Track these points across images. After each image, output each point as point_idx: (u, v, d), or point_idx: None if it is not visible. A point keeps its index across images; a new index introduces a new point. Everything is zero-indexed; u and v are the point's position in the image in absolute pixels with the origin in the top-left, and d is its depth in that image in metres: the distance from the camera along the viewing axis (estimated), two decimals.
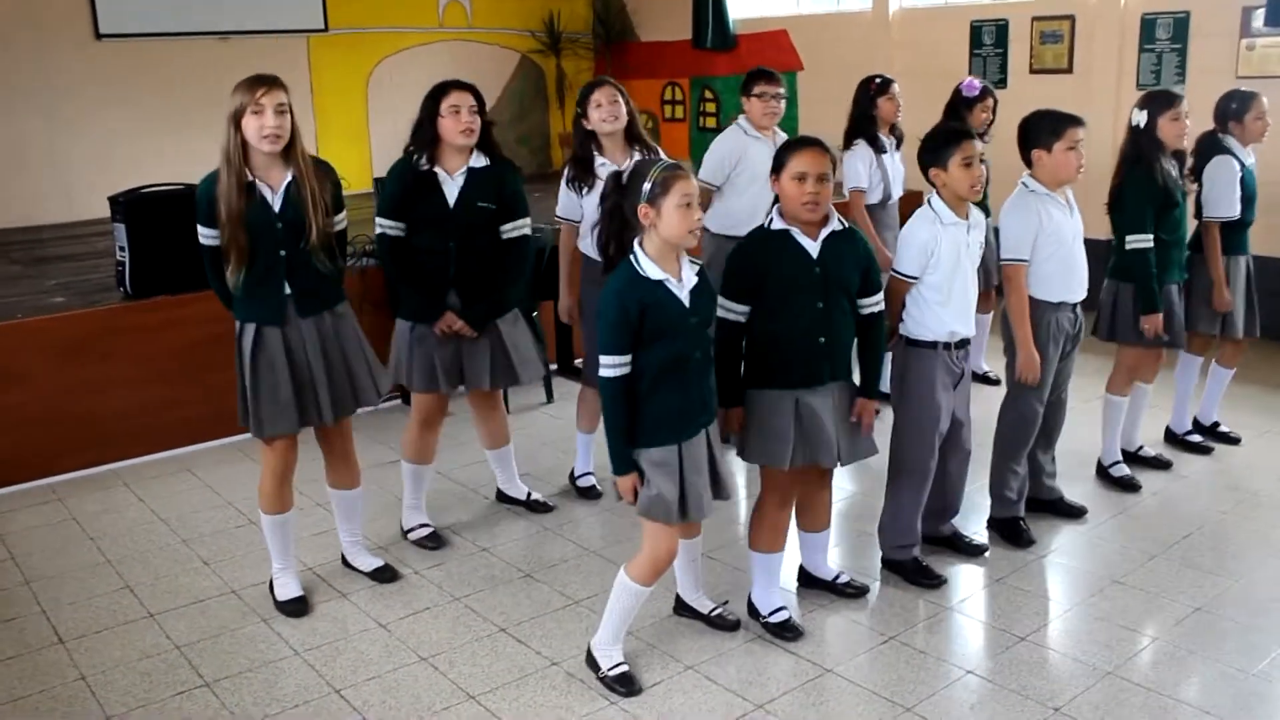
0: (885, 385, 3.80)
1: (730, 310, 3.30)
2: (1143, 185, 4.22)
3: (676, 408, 3.07)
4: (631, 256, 3.03)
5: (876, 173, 5.19)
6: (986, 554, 3.98)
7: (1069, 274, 3.88)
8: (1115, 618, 3.53)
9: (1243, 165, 4.59)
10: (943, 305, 3.62)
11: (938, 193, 3.63)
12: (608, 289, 3.02)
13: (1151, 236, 4.21)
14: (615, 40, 10.06)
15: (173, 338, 5.16)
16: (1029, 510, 4.23)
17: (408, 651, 3.49)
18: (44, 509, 4.69)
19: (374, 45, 9.18)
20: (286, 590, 3.77)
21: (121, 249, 5.26)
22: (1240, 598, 3.64)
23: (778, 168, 3.29)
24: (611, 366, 2.99)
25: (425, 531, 4.22)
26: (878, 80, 5.26)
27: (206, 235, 3.48)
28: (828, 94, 5.63)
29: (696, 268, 3.12)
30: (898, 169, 5.33)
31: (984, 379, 5.84)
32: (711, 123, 9.22)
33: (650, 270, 3.00)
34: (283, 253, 3.49)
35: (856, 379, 3.49)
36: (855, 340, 3.47)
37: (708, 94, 9.34)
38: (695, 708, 3.14)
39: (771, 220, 3.33)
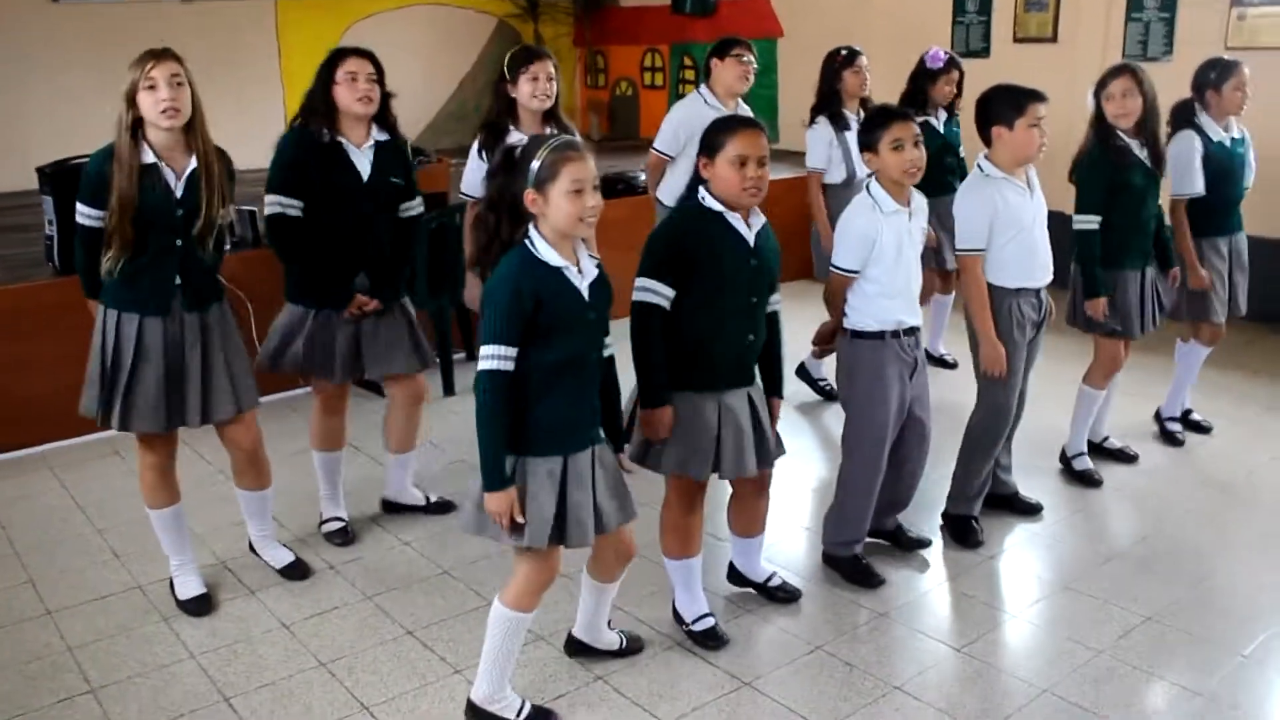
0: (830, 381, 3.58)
1: (654, 292, 2.98)
2: (1090, 165, 4.01)
3: (567, 415, 2.70)
4: (528, 240, 2.68)
5: (837, 150, 4.93)
6: (928, 549, 3.78)
7: (1029, 258, 3.65)
8: (1060, 628, 3.32)
9: (1210, 140, 4.33)
10: (886, 296, 3.39)
11: (875, 178, 3.40)
12: (499, 271, 2.66)
13: (1097, 218, 3.99)
14: (595, 5, 9.76)
15: None
16: (984, 506, 4.02)
17: (308, 656, 3.30)
18: None
19: (345, 8, 8.91)
20: (187, 588, 3.58)
21: (50, 222, 5.06)
22: (1194, 607, 3.43)
23: (711, 149, 3.00)
24: (495, 358, 2.59)
25: (336, 526, 4.01)
26: (843, 52, 4.99)
27: (87, 215, 3.24)
28: (808, 61, 5.37)
29: (598, 259, 2.81)
30: None
31: (940, 362, 5.62)
32: (690, 90, 8.93)
33: (548, 255, 2.66)
34: (179, 242, 3.27)
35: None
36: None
37: (687, 61, 9.05)
38: None
39: (704, 198, 3.05)
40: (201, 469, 4.54)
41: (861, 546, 3.65)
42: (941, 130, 5.17)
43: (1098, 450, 4.48)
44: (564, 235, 2.68)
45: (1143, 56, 6.26)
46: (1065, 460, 4.36)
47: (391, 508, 4.23)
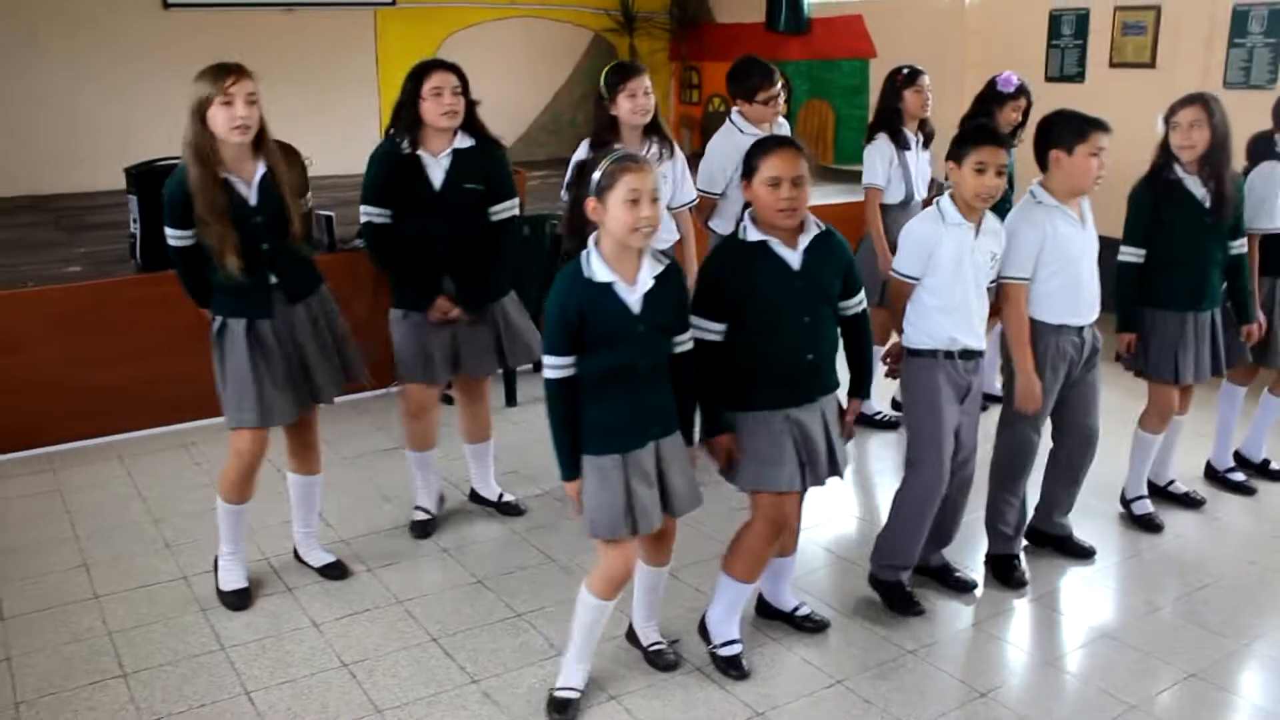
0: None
1: (706, 330, 3.02)
2: (1137, 194, 3.88)
3: (620, 417, 2.85)
4: (583, 254, 2.82)
5: (897, 170, 4.83)
6: (976, 591, 3.66)
7: (1074, 294, 3.52)
8: (1094, 678, 3.18)
9: None
10: (942, 311, 3.33)
11: (950, 192, 3.34)
12: (554, 287, 2.83)
13: (1140, 251, 3.85)
14: (691, 21, 9.76)
15: (179, 312, 5.08)
16: (1035, 545, 3.90)
17: (332, 656, 3.36)
18: (34, 479, 4.70)
19: (443, 19, 9.05)
20: (231, 580, 3.68)
21: (134, 220, 5.26)
22: (1243, 664, 3.26)
23: (749, 172, 3.01)
24: (553, 368, 2.82)
25: (421, 517, 4.17)
26: (904, 71, 4.89)
27: (177, 237, 3.35)
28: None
29: (661, 268, 2.86)
30: (923, 168, 4.95)
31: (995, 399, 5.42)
32: (783, 109, 8.86)
33: (598, 271, 2.78)
34: (265, 245, 3.39)
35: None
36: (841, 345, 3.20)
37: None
38: None
39: (745, 229, 3.05)
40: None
41: (909, 575, 3.57)
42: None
43: (1162, 494, 4.28)
44: (622, 246, 2.78)
45: (1245, 84, 5.99)
46: (1125, 504, 4.19)
47: (475, 498, 4.40)
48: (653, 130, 4.24)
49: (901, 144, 4.84)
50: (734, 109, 4.76)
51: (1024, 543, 3.82)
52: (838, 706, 3.07)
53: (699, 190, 4.78)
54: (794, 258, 3.02)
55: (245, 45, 8.20)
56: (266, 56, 7.98)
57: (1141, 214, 3.88)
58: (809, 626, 3.44)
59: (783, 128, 4.82)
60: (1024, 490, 3.73)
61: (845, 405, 3.25)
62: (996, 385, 5.39)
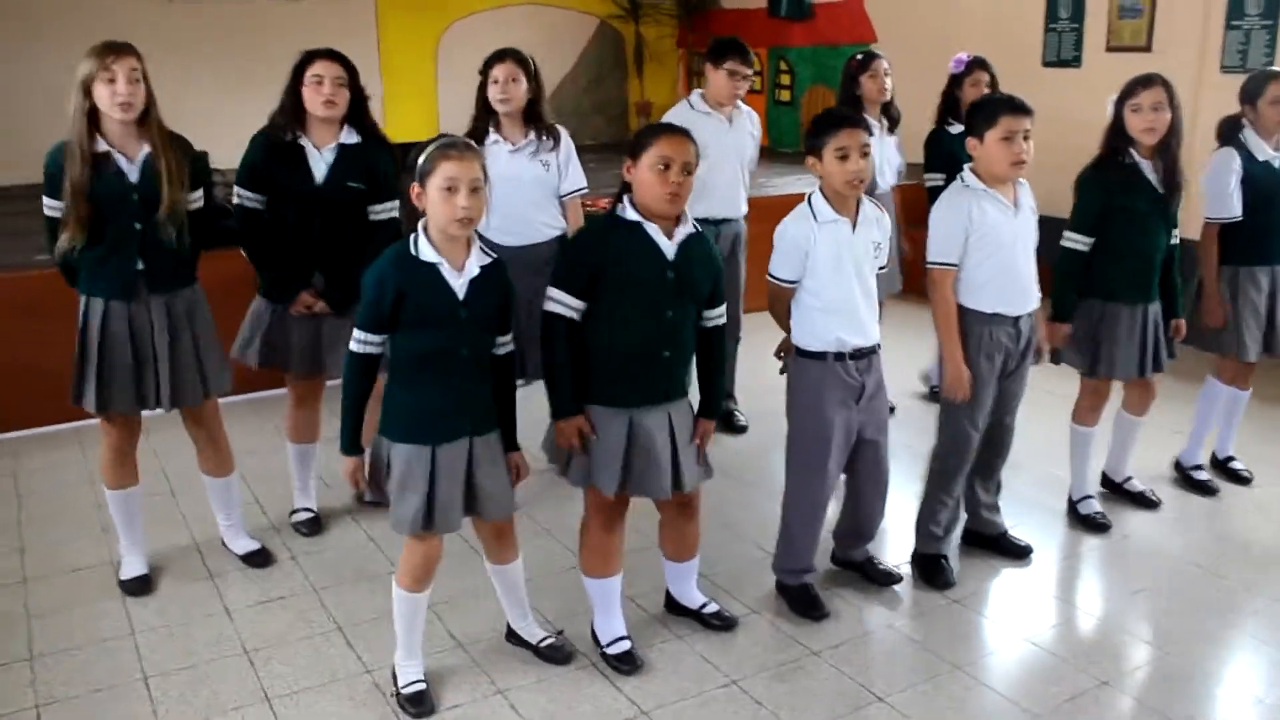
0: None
1: (562, 304, 2.92)
2: (1090, 180, 3.72)
3: (432, 405, 2.79)
4: (412, 236, 2.77)
5: None
6: (898, 585, 3.57)
7: (1007, 282, 3.39)
8: (1003, 686, 3.07)
9: (1254, 159, 3.94)
10: (826, 312, 3.23)
11: (819, 187, 3.23)
12: (375, 264, 2.78)
13: (1086, 240, 3.70)
14: (697, 7, 9.65)
15: None
16: (970, 544, 3.79)
17: (236, 643, 3.35)
18: None
19: (444, 7, 9.07)
20: (129, 568, 3.69)
21: None
22: (1164, 674, 3.12)
23: (637, 151, 2.92)
24: (358, 341, 2.78)
25: (304, 516, 4.09)
26: (859, 57, 4.78)
27: (51, 207, 3.35)
28: (902, 67, 5.14)
29: (489, 260, 2.82)
30: (889, 155, 4.82)
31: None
32: (786, 95, 8.77)
33: (425, 252, 2.74)
34: (137, 225, 3.35)
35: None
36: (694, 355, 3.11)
37: (783, 65, 8.86)
38: None
39: (624, 209, 2.97)
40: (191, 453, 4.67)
41: (813, 576, 3.49)
42: None
43: (1118, 491, 4.15)
44: (442, 232, 2.73)
45: (1242, 67, 5.76)
46: (1071, 504, 4.05)
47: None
48: (531, 118, 4.14)
49: None
50: (695, 91, 4.68)
51: (954, 542, 3.72)
52: (725, 708, 3.00)
53: None
54: (669, 247, 2.93)
55: (248, 35, 8.35)
56: (270, 46, 8.04)
57: (1092, 201, 3.73)
58: (716, 624, 3.37)
59: (746, 115, 4.71)
60: (959, 489, 3.63)
61: (695, 427, 3.13)
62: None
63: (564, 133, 4.21)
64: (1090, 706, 2.97)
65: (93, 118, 3.27)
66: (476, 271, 2.77)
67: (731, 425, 4.97)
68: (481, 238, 4.19)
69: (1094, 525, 3.95)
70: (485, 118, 4.10)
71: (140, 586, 3.65)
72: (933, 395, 5.03)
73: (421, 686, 3.02)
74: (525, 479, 3.05)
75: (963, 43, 7.23)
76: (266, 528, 4.09)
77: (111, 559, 3.86)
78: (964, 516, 3.77)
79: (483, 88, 4.09)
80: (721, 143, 4.55)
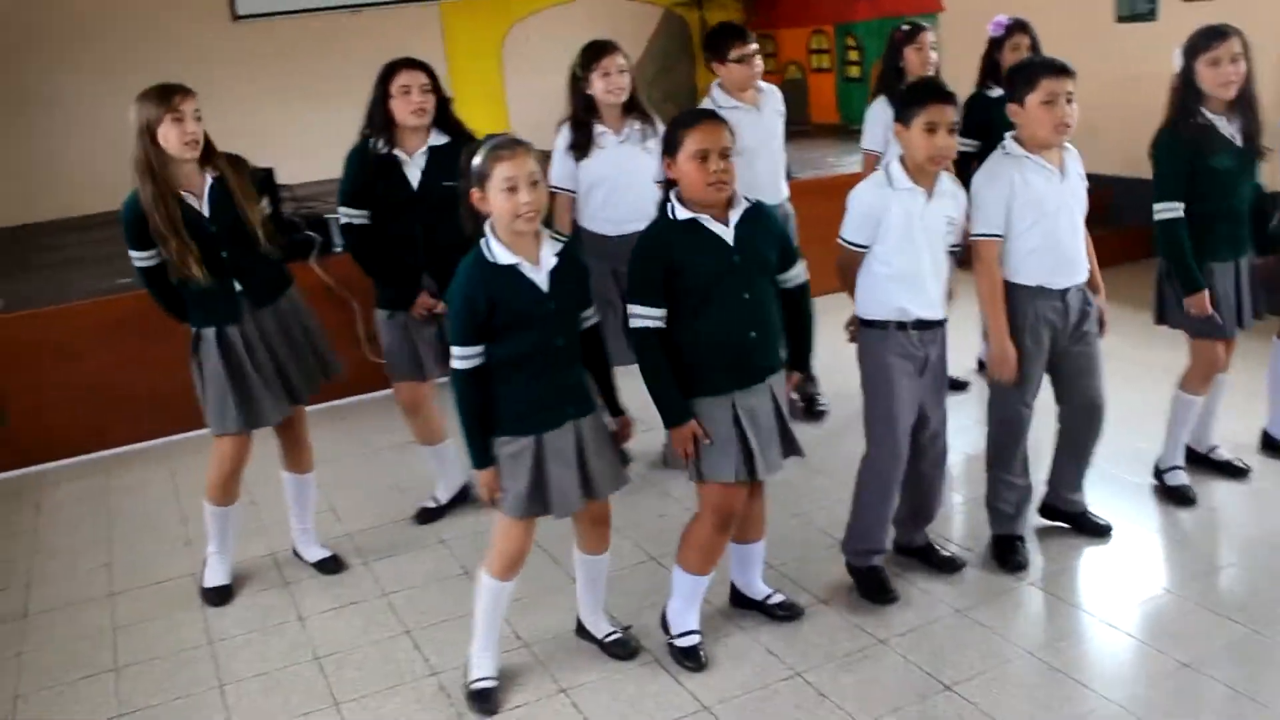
0: None
1: (646, 317, 2.91)
2: (1167, 144, 3.53)
3: (534, 397, 2.85)
4: (482, 240, 2.81)
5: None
6: (961, 570, 3.48)
7: (1051, 253, 3.26)
8: (1076, 669, 2.96)
9: None
10: (893, 280, 3.18)
11: (900, 156, 3.17)
12: (456, 277, 2.82)
13: (1179, 205, 3.51)
14: None
15: None
16: (1047, 519, 3.68)
17: (307, 649, 3.42)
18: (86, 483, 4.97)
19: (508, 8, 9.12)
20: (213, 576, 3.80)
21: None
22: (1250, 655, 2.97)
23: (672, 148, 2.90)
24: (460, 359, 2.81)
25: (427, 504, 4.26)
26: (904, 28, 4.65)
27: (141, 258, 3.45)
28: (970, 37, 5.02)
29: (560, 245, 2.85)
30: None
31: (951, 383, 5.05)
32: (855, 72, 8.59)
33: (500, 255, 2.78)
34: (224, 254, 3.46)
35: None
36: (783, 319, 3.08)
37: (850, 42, 8.69)
38: None
39: (673, 209, 2.94)
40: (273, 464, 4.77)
41: (882, 559, 3.42)
42: None
43: (1203, 462, 3.97)
44: (510, 231, 2.77)
45: None
46: (1158, 474, 3.89)
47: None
48: (631, 108, 4.16)
49: None
50: (714, 84, 4.61)
51: (1031, 522, 3.61)
52: (788, 700, 2.95)
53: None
54: (727, 233, 2.90)
55: (314, 50, 8.50)
56: (336, 59, 8.27)
57: (1176, 164, 3.53)
58: (781, 615, 3.32)
59: (770, 95, 4.62)
60: (1021, 467, 3.51)
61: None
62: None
63: (660, 123, 4.23)
64: (1170, 690, 2.85)
65: (161, 160, 3.35)
66: (554, 262, 2.81)
67: (812, 410, 4.90)
68: (587, 231, 4.27)
69: (1180, 498, 3.78)
70: (588, 110, 4.12)
71: (221, 596, 3.75)
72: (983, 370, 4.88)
73: (491, 684, 3.05)
74: (632, 437, 3.12)
75: (1032, 3, 7.02)
76: (340, 535, 4.16)
77: (192, 571, 3.97)
78: (1043, 492, 3.65)
79: (576, 81, 4.11)
80: (754, 132, 4.48)
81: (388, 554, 3.99)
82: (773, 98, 4.61)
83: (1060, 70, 3.16)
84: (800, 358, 3.14)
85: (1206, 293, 3.57)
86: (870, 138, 4.68)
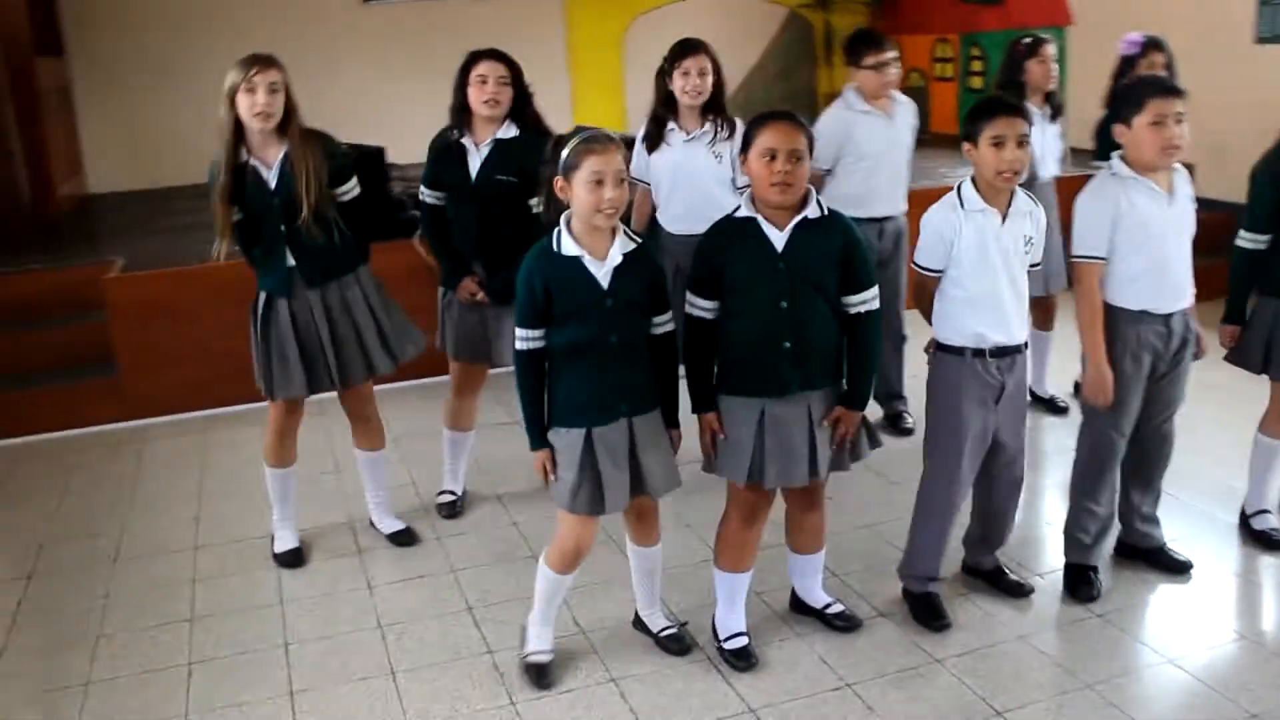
0: None
1: (696, 306, 2.97)
2: (1261, 174, 3.40)
3: (587, 392, 2.87)
4: (555, 231, 2.85)
5: None
6: (1028, 596, 3.40)
7: (1157, 277, 3.16)
8: (1135, 710, 2.86)
9: None
10: (969, 305, 3.11)
11: (972, 176, 3.11)
12: (524, 263, 2.88)
13: (1265, 238, 3.39)
14: None
15: None
16: (1124, 557, 3.57)
17: (373, 617, 3.52)
18: (183, 439, 5.18)
19: (631, 2, 9.14)
20: (282, 542, 3.92)
21: None
22: None
23: (746, 145, 2.91)
24: (522, 339, 2.88)
25: (447, 499, 4.24)
26: (1026, 41, 4.53)
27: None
28: (1100, 51, 4.88)
29: (632, 246, 2.86)
30: (1051, 144, 4.56)
31: (1050, 405, 4.94)
32: (978, 83, 8.40)
33: (566, 246, 2.82)
34: (282, 227, 3.55)
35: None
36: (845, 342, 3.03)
37: (975, 52, 8.50)
38: None
39: (739, 206, 2.96)
40: None
41: (938, 585, 3.36)
42: None
43: None
44: (588, 225, 2.80)
45: None
46: (1244, 518, 3.74)
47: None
48: (711, 109, 4.16)
49: None
50: (849, 86, 4.57)
51: (1107, 552, 3.51)
52: (835, 710, 2.93)
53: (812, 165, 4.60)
54: (779, 238, 2.88)
55: (436, 35, 8.64)
56: (455, 45, 8.32)
57: (1267, 195, 3.44)
58: (839, 625, 3.30)
59: (905, 106, 4.56)
60: (1107, 497, 3.40)
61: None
62: (1047, 388, 4.97)
63: (741, 126, 4.22)
64: None
65: (238, 128, 3.47)
66: (620, 259, 2.83)
67: (899, 426, 4.84)
68: (664, 230, 4.30)
69: (1267, 542, 3.63)
70: (666, 107, 4.16)
71: (292, 559, 3.87)
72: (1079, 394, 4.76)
73: (548, 658, 3.12)
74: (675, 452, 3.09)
75: (1166, 21, 6.79)
76: (418, 509, 4.27)
77: (273, 532, 4.11)
78: (1118, 527, 3.55)
79: (661, 76, 4.16)
80: (881, 139, 4.46)
81: (461, 531, 4.07)
82: (907, 110, 4.57)
83: (1169, 91, 3.06)
84: (856, 389, 3.03)
85: (1237, 328, 3.56)
86: None
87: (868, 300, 2.99)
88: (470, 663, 3.24)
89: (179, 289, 5.39)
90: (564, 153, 2.79)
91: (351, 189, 3.69)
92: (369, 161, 5.48)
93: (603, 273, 2.82)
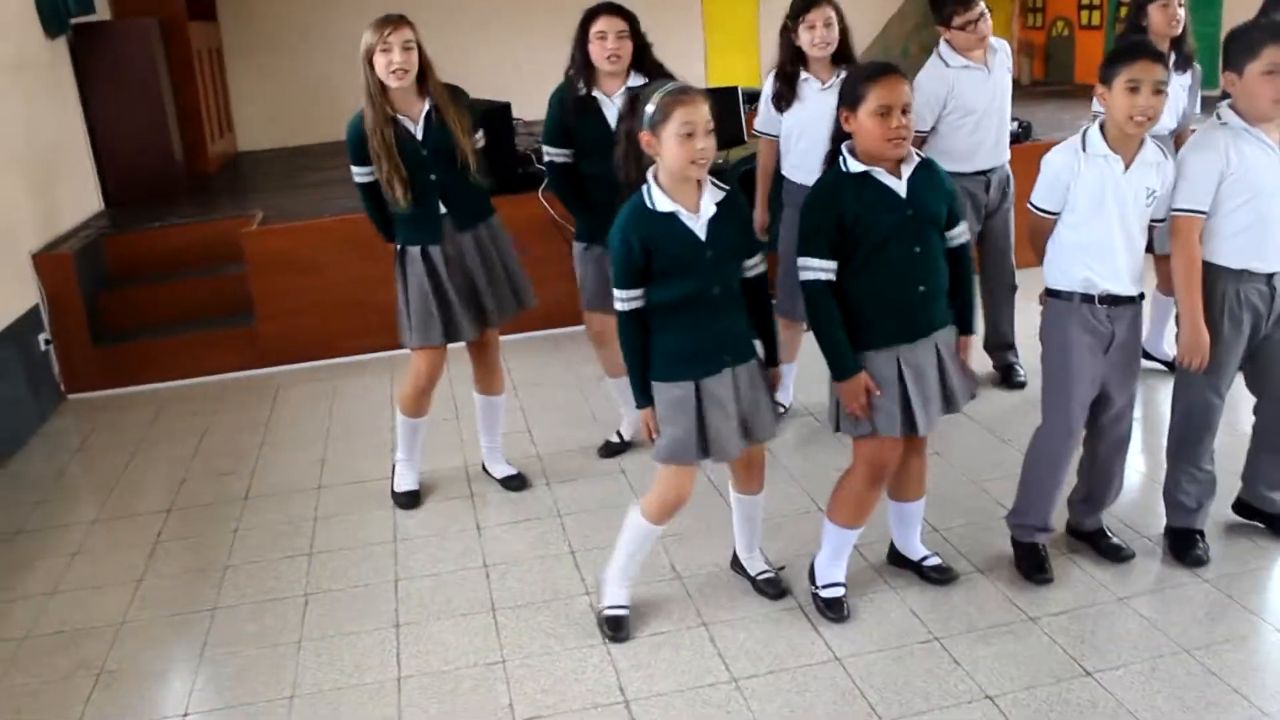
0: None
1: (816, 270, 2.90)
2: None
3: (692, 343, 2.90)
4: (644, 187, 2.87)
5: None
6: (1129, 561, 3.31)
7: (1261, 234, 3.01)
8: (1231, 677, 2.77)
9: None
10: (1081, 249, 3.05)
11: (1101, 120, 3.03)
12: (616, 221, 2.89)
13: None
14: None
15: None
16: (1241, 515, 3.46)
17: (478, 557, 3.67)
18: (314, 385, 5.46)
19: None
20: (403, 482, 4.09)
21: None
22: None
23: (853, 102, 2.86)
24: (621, 300, 2.89)
25: (612, 439, 4.39)
26: None
27: (360, 173, 3.74)
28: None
29: (722, 195, 2.88)
30: (1175, 95, 4.33)
31: (1170, 366, 4.63)
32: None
33: (660, 202, 2.83)
34: (433, 177, 3.69)
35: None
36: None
37: None
38: (672, 668, 3.00)
39: (845, 161, 2.92)
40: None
41: (1047, 537, 3.31)
42: None
43: None
44: (679, 178, 2.81)
45: None
46: None
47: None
48: (842, 60, 4.12)
49: None
50: (942, 41, 4.45)
51: (1223, 518, 3.39)
52: (920, 664, 2.93)
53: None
54: (900, 186, 2.87)
55: None
56: (585, 1, 8.46)
57: None
58: (935, 578, 3.28)
59: (999, 51, 4.43)
60: (1206, 459, 3.28)
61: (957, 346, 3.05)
62: (1164, 348, 4.74)
63: None
64: None
65: (381, 87, 3.60)
66: (714, 210, 2.84)
67: (1010, 380, 4.75)
68: (784, 179, 4.30)
69: None
70: (795, 60, 4.15)
71: (409, 500, 4.05)
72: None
73: (624, 613, 3.17)
74: (777, 390, 3.12)
75: None
76: (532, 456, 4.40)
77: (390, 474, 4.29)
78: (1238, 486, 3.42)
79: (785, 31, 4.15)
80: (983, 92, 4.36)
81: (570, 478, 4.18)
82: (1002, 53, 4.45)
83: None
84: (965, 320, 3.06)
85: None
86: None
87: (964, 233, 3.02)
88: (567, 603, 3.35)
89: (311, 242, 5.64)
90: (649, 108, 2.78)
91: (480, 140, 3.81)
92: (496, 116, 5.61)
93: (699, 225, 2.83)
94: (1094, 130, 3.03)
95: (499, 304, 3.89)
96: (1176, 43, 4.32)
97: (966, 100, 4.32)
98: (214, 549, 3.85)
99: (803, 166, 4.21)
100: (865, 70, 2.91)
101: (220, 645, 3.27)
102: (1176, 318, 3.16)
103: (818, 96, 4.12)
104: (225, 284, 5.79)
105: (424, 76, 3.65)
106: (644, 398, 2.96)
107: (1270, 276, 3.06)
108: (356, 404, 5.16)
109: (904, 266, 2.89)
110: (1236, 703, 2.68)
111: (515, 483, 4.14)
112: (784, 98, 4.23)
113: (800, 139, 4.21)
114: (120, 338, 5.64)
